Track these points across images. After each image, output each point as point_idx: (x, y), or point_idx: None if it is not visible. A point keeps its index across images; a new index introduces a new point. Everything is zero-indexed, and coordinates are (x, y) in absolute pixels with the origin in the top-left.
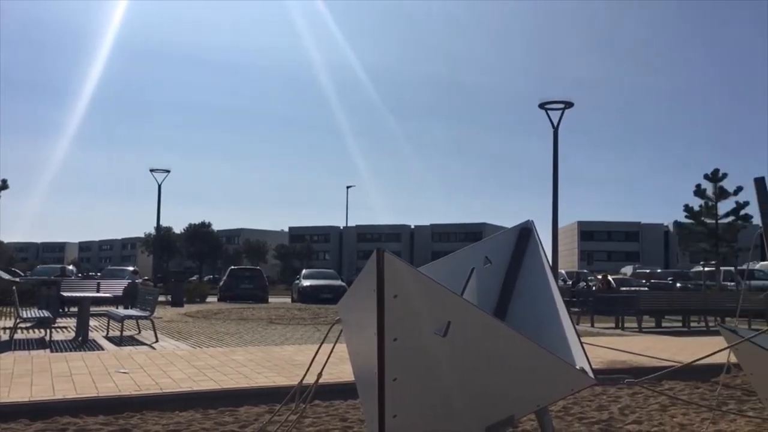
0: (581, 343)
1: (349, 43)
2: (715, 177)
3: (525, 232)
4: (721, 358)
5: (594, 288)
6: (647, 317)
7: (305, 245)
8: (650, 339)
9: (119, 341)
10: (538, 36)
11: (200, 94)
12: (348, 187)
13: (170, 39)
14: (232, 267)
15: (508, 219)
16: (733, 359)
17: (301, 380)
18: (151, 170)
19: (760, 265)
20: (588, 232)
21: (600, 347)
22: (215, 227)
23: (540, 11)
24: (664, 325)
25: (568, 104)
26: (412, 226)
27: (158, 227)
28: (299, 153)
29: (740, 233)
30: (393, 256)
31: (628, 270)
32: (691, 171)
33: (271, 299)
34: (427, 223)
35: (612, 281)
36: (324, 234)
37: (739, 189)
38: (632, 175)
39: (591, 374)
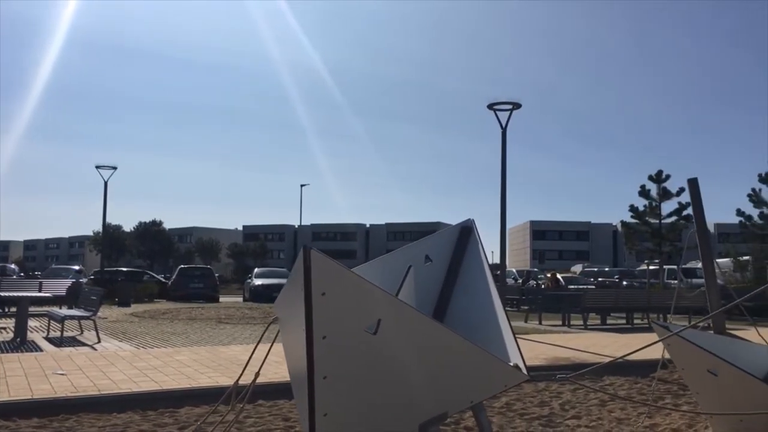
0: (516, 340)
1: (308, 38)
2: (659, 178)
3: (466, 231)
4: (659, 354)
5: (543, 286)
6: (594, 315)
7: (259, 244)
8: (595, 336)
9: (59, 342)
10: (495, 40)
11: (153, 90)
12: (302, 186)
13: (127, 34)
14: (182, 266)
15: (462, 218)
16: (668, 355)
17: (237, 380)
18: (97, 167)
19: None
20: (540, 231)
21: (545, 344)
22: (167, 225)
23: (494, 15)
24: (609, 322)
25: (516, 105)
26: (368, 225)
27: (104, 225)
28: (256, 151)
29: (683, 233)
30: (320, 254)
31: (577, 269)
32: (640, 171)
33: (223, 298)
34: (382, 222)
35: (561, 279)
36: (278, 233)
37: (681, 190)
38: (583, 176)
39: (524, 371)
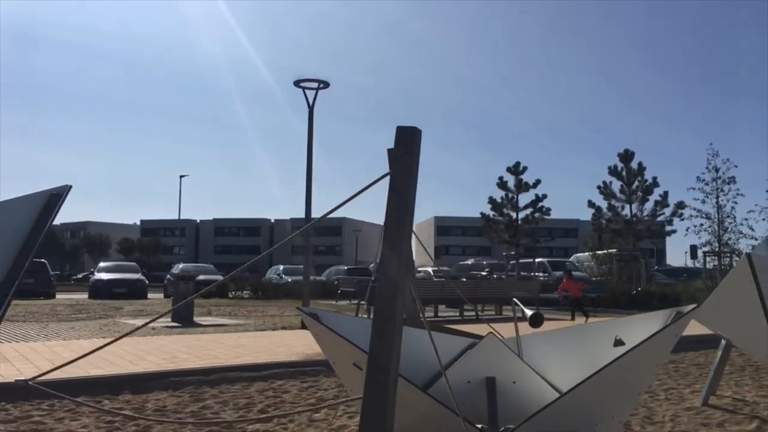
0: None
1: (243, 31)
2: (516, 170)
3: (54, 200)
4: None
5: None
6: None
7: (153, 239)
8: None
9: None
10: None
11: (52, 78)
12: (181, 177)
13: (36, 22)
14: None
15: (370, 214)
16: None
17: None
18: None
19: (575, 256)
20: (444, 227)
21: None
22: (60, 220)
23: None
24: (441, 314)
25: (324, 84)
26: (272, 220)
27: None
28: (158, 144)
29: (539, 225)
30: None
31: (468, 262)
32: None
33: (68, 295)
34: (287, 216)
35: (430, 273)
36: (179, 228)
37: (537, 182)
38: (475, 172)
39: None
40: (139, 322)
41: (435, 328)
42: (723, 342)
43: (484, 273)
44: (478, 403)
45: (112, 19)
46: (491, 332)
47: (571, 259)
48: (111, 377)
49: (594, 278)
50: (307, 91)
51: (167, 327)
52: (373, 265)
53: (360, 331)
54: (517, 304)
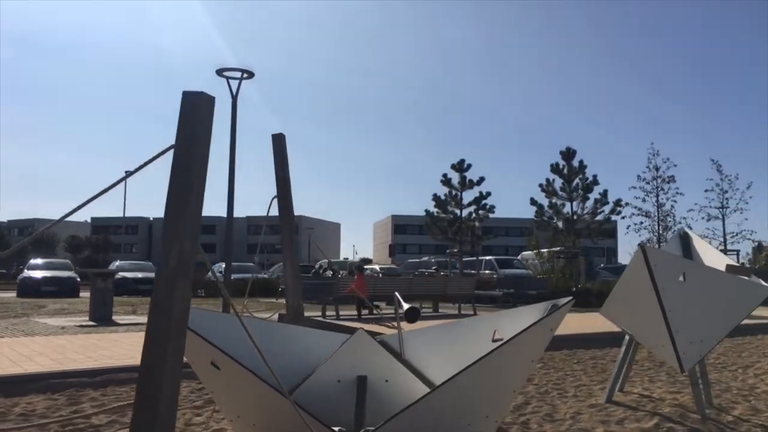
0: None
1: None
2: (460, 167)
3: None
4: None
5: (339, 276)
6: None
7: (102, 237)
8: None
9: None
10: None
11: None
12: (127, 173)
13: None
14: None
15: (339, 214)
16: None
17: None
18: None
19: (521, 255)
20: (401, 225)
21: None
22: (7, 217)
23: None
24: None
25: (248, 73)
26: None
27: None
28: (114, 140)
29: (483, 222)
30: None
31: (413, 261)
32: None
33: (4, 294)
34: (242, 215)
35: (374, 271)
36: (132, 225)
37: (481, 179)
38: (432, 171)
39: None
40: (54, 321)
41: (318, 324)
42: (627, 338)
43: (432, 270)
44: (348, 403)
45: (58, 10)
46: (361, 328)
47: (518, 257)
48: None
49: (538, 276)
50: (230, 80)
51: (80, 326)
52: (320, 263)
53: (221, 328)
54: (398, 299)
